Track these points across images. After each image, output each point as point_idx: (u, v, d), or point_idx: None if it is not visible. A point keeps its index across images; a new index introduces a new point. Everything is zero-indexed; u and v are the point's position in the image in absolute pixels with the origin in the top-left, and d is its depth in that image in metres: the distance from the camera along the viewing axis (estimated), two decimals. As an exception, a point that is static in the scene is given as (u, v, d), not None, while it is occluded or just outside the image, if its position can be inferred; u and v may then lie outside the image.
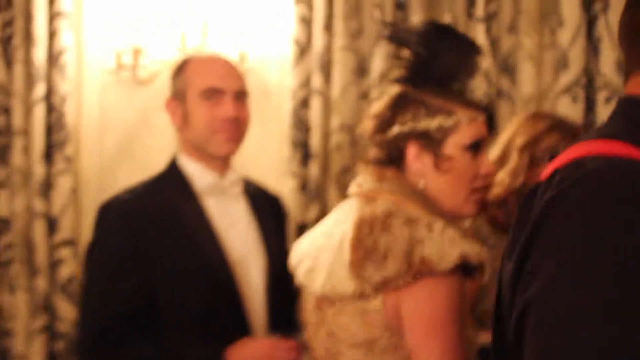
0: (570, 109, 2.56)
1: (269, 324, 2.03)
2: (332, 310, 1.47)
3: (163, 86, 2.57)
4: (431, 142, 1.50)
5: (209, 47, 2.87)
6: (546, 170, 0.98)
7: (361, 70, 2.87)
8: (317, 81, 2.86)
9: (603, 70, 2.55)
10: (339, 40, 2.83)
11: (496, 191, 1.92)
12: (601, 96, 2.56)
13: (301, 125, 2.90)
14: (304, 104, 2.89)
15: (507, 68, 2.69)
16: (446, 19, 2.72)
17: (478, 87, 2.64)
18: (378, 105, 1.57)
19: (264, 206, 2.15)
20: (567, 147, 0.98)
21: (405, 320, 1.39)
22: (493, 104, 2.65)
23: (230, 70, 2.05)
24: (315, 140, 2.87)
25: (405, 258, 1.36)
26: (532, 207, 0.94)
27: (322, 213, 2.77)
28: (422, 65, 1.54)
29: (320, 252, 1.53)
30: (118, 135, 3.13)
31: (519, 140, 1.95)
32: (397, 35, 1.59)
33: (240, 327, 1.96)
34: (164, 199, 2.00)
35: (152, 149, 3.07)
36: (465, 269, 1.39)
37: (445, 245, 1.37)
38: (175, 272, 1.93)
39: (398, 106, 1.53)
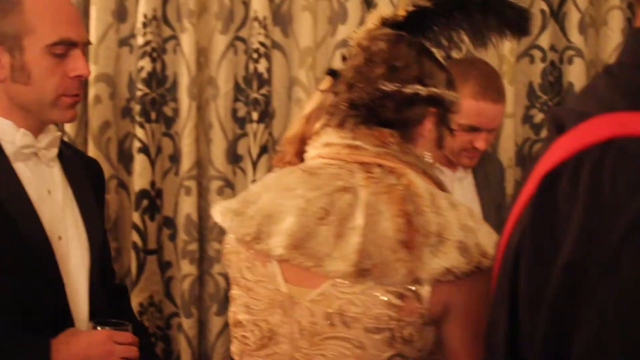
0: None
1: (90, 313, 1.71)
2: (348, 289, 1.23)
3: None
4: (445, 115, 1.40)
5: None
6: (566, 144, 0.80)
7: (122, 13, 2.55)
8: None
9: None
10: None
11: None
12: (375, 51, 2.60)
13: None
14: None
15: (282, 19, 2.59)
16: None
17: (251, 35, 2.50)
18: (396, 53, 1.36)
19: (80, 173, 1.80)
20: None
21: (454, 315, 1.25)
22: (269, 55, 2.54)
23: (78, 13, 1.67)
24: (70, 92, 2.50)
25: (462, 247, 1.22)
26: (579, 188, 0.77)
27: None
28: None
29: (308, 226, 1.25)
30: None
31: None
32: None
33: (62, 318, 1.64)
34: None
35: None
36: None
37: (487, 235, 1.26)
38: None
39: (419, 61, 1.36)
